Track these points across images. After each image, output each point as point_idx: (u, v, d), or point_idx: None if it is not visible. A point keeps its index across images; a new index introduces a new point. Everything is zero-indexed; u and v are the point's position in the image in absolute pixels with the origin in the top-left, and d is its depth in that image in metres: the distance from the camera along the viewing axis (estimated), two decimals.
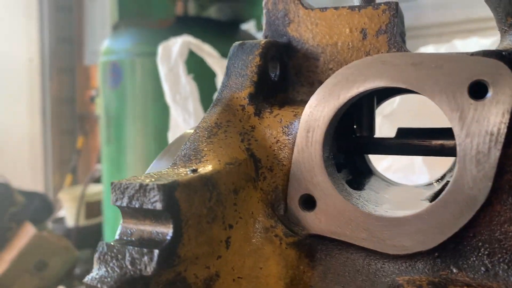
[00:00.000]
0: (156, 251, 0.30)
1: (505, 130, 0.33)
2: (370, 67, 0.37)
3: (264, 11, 0.51)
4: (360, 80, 0.37)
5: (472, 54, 0.35)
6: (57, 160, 4.64)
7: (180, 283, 0.33)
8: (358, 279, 0.38)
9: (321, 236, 0.40)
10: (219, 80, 1.35)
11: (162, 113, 2.79)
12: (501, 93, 0.33)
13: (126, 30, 2.81)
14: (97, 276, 0.30)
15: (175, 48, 1.21)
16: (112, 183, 0.32)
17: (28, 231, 2.83)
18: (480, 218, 0.35)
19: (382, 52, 0.45)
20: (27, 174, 4.32)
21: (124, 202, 0.32)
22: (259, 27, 2.86)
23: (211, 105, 0.44)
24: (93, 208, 3.74)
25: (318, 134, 0.39)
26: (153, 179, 0.32)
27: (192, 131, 0.54)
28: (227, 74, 0.46)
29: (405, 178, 0.85)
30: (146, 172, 0.48)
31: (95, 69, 4.93)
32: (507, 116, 0.33)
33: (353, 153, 0.51)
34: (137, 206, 0.31)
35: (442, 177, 0.52)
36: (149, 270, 0.30)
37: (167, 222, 0.31)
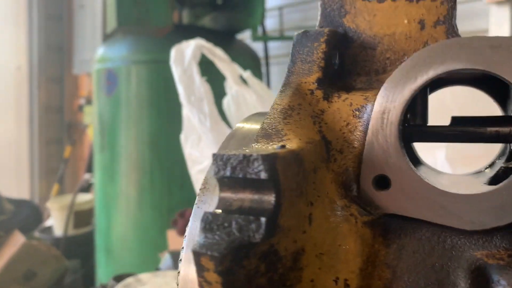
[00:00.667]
0: (263, 219, 0.31)
1: None
2: (448, 50, 0.38)
3: (319, 2, 0.53)
4: (438, 62, 0.39)
5: None
6: (44, 169, 4.55)
7: (273, 255, 0.34)
8: (434, 255, 0.39)
9: (395, 215, 0.41)
10: (229, 84, 1.36)
11: (156, 120, 2.79)
12: None
13: (122, 37, 2.81)
14: (206, 244, 0.30)
15: (188, 51, 1.22)
16: (213, 155, 0.33)
17: (17, 240, 2.76)
18: None
19: None
20: (13, 183, 4.23)
21: (228, 172, 0.32)
22: (254, 37, 2.88)
23: (279, 90, 0.45)
24: (81, 218, 3.68)
25: (394, 116, 0.40)
26: (253, 151, 0.33)
27: (243, 124, 0.55)
28: (292, 60, 0.47)
29: None
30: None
31: (84, 78, 4.89)
32: None
33: (409, 141, 0.53)
34: (240, 176, 0.32)
35: (491, 164, 0.53)
36: (258, 237, 0.31)
37: (269, 191, 0.32)
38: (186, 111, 1.12)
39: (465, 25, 2.88)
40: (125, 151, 2.85)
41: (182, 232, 1.92)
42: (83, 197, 3.72)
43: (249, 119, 0.56)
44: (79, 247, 3.42)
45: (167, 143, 2.67)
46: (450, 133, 0.49)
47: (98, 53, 3.05)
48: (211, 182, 0.43)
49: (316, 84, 0.45)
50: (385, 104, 0.41)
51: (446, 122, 0.51)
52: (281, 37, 2.95)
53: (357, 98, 0.44)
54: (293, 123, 0.41)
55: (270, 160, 0.32)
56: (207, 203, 0.41)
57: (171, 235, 1.88)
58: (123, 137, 2.84)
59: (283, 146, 0.36)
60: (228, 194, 0.33)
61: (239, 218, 0.31)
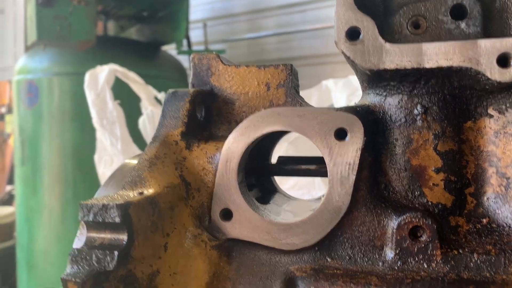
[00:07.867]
0: (116, 252, 0.42)
1: (358, 161, 0.49)
2: (270, 117, 0.51)
3: (191, 64, 0.64)
4: (263, 125, 0.52)
5: (337, 109, 0.51)
6: None
7: (131, 277, 0.45)
8: (263, 269, 0.52)
9: (236, 239, 0.53)
10: (144, 104, 1.45)
11: (80, 132, 2.79)
12: (355, 136, 0.49)
13: (44, 49, 2.78)
14: (71, 273, 0.41)
15: (102, 75, 1.29)
16: (80, 204, 0.43)
17: None
18: (344, 222, 0.50)
19: (281, 100, 0.60)
20: None
21: (90, 218, 0.43)
22: (179, 51, 2.97)
23: (151, 140, 0.56)
24: (2, 232, 3.56)
25: (234, 163, 0.52)
26: (111, 200, 0.44)
27: (130, 161, 0.65)
28: (163, 115, 0.58)
29: (308, 193, 1.02)
30: (95, 195, 0.58)
31: (5, 85, 4.71)
32: (359, 152, 0.49)
33: (261, 175, 0.66)
34: (100, 220, 0.43)
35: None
36: (111, 266, 0.41)
37: (123, 231, 0.43)
38: (99, 134, 1.19)
39: None
40: (47, 164, 2.81)
41: None
42: (4, 210, 3.60)
43: (137, 156, 0.66)
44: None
45: (90, 155, 2.67)
46: (288, 170, 0.63)
47: (18, 64, 2.99)
48: None
49: (180, 136, 0.56)
50: (228, 154, 0.53)
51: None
52: (206, 50, 3.06)
53: (211, 147, 0.56)
54: (156, 171, 0.52)
55: (123, 208, 0.43)
56: (84, 235, 0.51)
57: None
58: (45, 150, 2.81)
59: (141, 193, 0.47)
60: (93, 234, 0.44)
61: (98, 252, 0.42)
